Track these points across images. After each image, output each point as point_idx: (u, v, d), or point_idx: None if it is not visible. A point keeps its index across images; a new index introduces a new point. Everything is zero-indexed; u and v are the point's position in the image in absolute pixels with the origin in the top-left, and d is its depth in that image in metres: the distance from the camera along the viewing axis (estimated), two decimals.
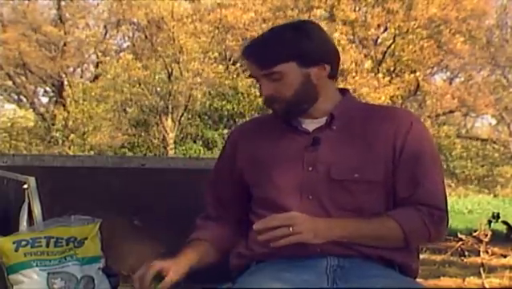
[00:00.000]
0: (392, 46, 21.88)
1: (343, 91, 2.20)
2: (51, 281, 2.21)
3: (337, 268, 2.04)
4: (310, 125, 2.13)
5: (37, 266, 2.21)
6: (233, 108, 20.35)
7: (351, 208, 2.05)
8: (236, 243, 2.18)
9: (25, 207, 2.37)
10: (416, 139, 2.09)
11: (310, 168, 2.08)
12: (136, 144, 21.79)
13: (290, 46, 2.08)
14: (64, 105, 22.29)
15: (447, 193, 2.14)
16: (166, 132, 21.39)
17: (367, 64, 21.58)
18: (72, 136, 21.49)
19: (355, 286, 1.99)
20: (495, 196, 26.43)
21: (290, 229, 1.90)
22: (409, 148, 2.07)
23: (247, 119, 20.03)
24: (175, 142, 21.15)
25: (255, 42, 2.17)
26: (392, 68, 22.07)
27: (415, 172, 2.07)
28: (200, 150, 20.21)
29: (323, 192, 2.07)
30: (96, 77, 23.67)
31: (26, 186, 2.38)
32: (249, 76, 2.19)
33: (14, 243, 2.22)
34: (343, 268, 2.04)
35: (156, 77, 21.47)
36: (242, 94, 20.35)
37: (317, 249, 2.02)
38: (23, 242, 2.22)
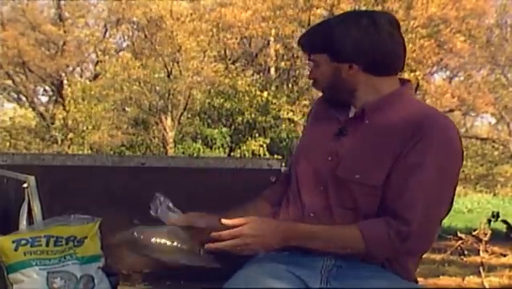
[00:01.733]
0: None
1: (403, 82, 2.16)
2: (51, 280, 2.20)
3: (333, 268, 2.05)
4: (352, 113, 2.15)
5: (36, 265, 2.20)
6: (233, 107, 20.34)
7: (350, 207, 2.05)
8: None
9: (24, 206, 2.36)
10: (421, 151, 2.00)
11: (330, 158, 2.10)
12: (135, 143, 21.79)
13: (324, 40, 2.11)
14: (64, 104, 22.28)
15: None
16: (166, 130, 21.38)
17: None
18: (71, 135, 21.49)
19: (348, 287, 2.00)
20: (495, 195, 26.44)
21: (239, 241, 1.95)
22: (410, 158, 2.00)
23: (247, 117, 20.15)
24: (174, 141, 21.14)
25: (309, 28, 2.25)
26: None
27: (401, 183, 2.00)
28: (199, 149, 20.19)
29: (331, 186, 2.08)
30: (96, 76, 23.66)
31: (25, 185, 2.37)
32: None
33: (13, 242, 2.21)
34: (340, 268, 2.04)
35: (156, 76, 21.46)
36: (242, 92, 20.35)
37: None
38: (23, 241, 2.22)
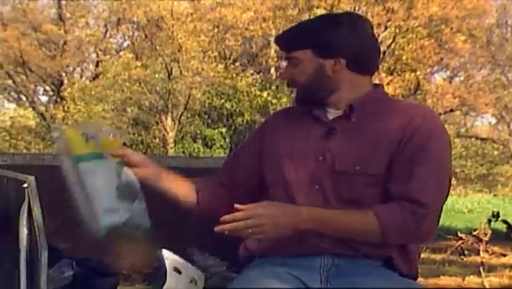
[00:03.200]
0: (393, 45, 21.88)
1: (376, 86, 2.22)
2: (118, 171, 2.22)
3: (331, 267, 2.06)
4: (331, 115, 2.16)
5: (105, 157, 2.21)
6: (233, 107, 20.35)
7: (351, 200, 2.06)
8: (219, 211, 2.13)
9: (24, 206, 2.36)
10: (422, 136, 2.06)
11: (321, 158, 2.11)
12: (135, 143, 21.80)
13: (310, 34, 2.13)
14: (64, 104, 22.29)
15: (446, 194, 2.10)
16: (166, 131, 21.39)
17: None
18: None
19: (348, 285, 2.00)
20: (495, 195, 26.46)
21: (251, 222, 1.94)
22: (412, 145, 2.05)
23: (246, 117, 20.16)
24: (175, 141, 21.15)
25: (289, 27, 2.25)
26: (392, 67, 22.08)
27: (409, 168, 2.04)
28: (199, 149, 20.21)
29: (328, 182, 2.09)
30: (96, 76, 23.67)
31: (25, 185, 2.37)
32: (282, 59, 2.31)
33: (82, 135, 2.22)
34: (338, 266, 2.06)
35: (156, 76, 21.46)
36: (242, 93, 20.35)
37: (314, 246, 2.05)
38: (90, 136, 2.24)
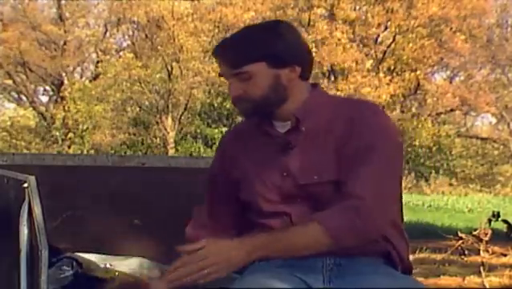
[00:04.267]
0: (393, 45, 21.88)
1: (314, 86, 2.15)
2: None
3: (333, 266, 2.05)
4: (281, 128, 2.11)
5: None
6: (233, 107, 20.36)
7: (325, 208, 2.02)
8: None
9: (25, 206, 2.36)
10: (359, 134, 2.02)
11: (285, 174, 2.07)
12: (136, 143, 21.80)
13: (261, 46, 2.04)
14: (64, 104, 22.29)
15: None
16: (166, 130, 21.39)
17: (368, 64, 21.58)
18: (71, 135, 21.50)
19: (351, 284, 1.99)
20: (495, 195, 26.45)
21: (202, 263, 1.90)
22: (351, 144, 2.02)
23: None
24: (175, 141, 21.15)
25: (227, 41, 2.14)
26: (392, 67, 22.08)
27: (349, 167, 2.00)
28: (200, 148, 20.21)
29: (300, 197, 2.06)
30: (96, 76, 23.67)
31: (26, 185, 2.37)
32: (219, 75, 2.19)
33: None
34: (340, 266, 2.04)
35: (157, 76, 21.47)
36: None
37: None
38: None
